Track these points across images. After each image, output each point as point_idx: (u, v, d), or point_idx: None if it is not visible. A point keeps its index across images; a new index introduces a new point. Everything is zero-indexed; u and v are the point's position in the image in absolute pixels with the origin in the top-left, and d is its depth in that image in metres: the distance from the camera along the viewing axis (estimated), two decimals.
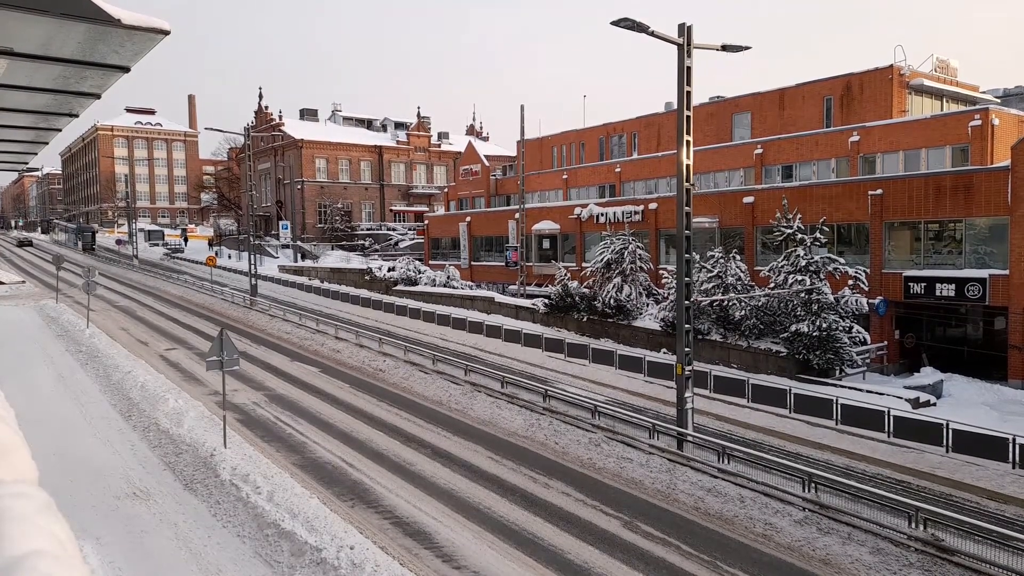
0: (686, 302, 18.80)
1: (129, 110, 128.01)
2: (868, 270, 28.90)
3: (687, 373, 18.72)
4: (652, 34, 17.15)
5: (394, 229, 79.15)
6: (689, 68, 18.03)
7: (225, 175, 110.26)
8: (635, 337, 33.59)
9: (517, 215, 45.28)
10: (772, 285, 28.56)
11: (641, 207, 39.52)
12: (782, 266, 28.15)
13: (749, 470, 16.62)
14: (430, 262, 57.15)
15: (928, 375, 27.25)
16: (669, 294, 31.74)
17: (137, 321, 39.48)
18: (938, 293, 27.76)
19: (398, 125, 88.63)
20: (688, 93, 18.14)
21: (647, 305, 34.80)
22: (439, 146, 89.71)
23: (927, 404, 24.13)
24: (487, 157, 69.01)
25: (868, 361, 28.19)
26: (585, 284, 37.25)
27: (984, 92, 44.59)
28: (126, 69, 5.27)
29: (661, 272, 35.31)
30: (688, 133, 18.28)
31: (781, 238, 29.01)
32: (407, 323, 41.63)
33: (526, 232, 45.43)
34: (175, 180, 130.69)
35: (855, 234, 31.21)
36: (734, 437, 20.44)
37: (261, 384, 26.09)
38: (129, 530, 13.55)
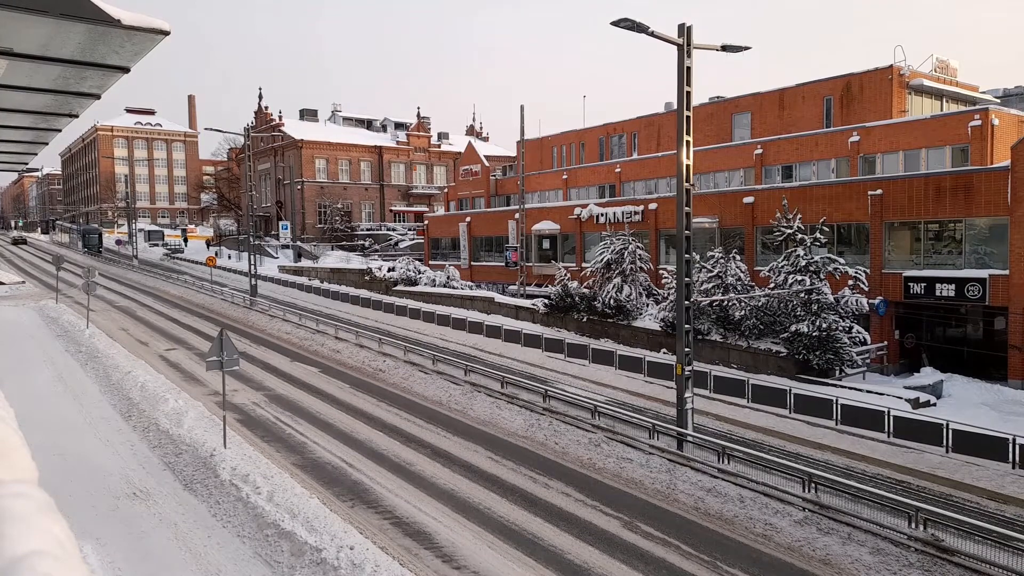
0: (686, 302, 18.81)
1: (129, 110, 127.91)
2: (868, 270, 28.88)
3: (687, 373, 18.73)
4: (652, 34, 17.16)
5: (394, 229, 79.11)
6: (689, 68, 18.04)
7: (225, 175, 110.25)
8: (635, 337, 33.58)
9: (517, 215, 45.27)
10: (772, 285, 28.55)
11: (641, 207, 39.52)
12: (782, 266, 28.15)
13: (749, 470, 16.62)
14: (430, 262, 57.13)
15: (928, 375, 27.25)
16: (669, 294, 31.74)
17: (137, 321, 39.49)
18: (938, 293, 27.76)
19: (398, 125, 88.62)
20: (688, 93, 18.15)
21: (647, 305, 34.79)
22: (439, 146, 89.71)
23: (927, 404, 24.13)
24: (487, 157, 68.98)
25: (868, 361, 28.18)
26: (585, 284, 37.24)
27: (984, 92, 44.59)
28: (126, 69, 5.27)
29: (661, 272, 35.31)
30: (688, 133, 18.29)
31: (781, 238, 29.02)
32: (407, 323, 41.63)
33: (526, 232, 45.42)
34: (175, 180, 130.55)
35: (855, 234, 31.21)
36: (734, 437, 20.44)
37: (261, 384, 26.09)
38: (129, 530, 13.56)
